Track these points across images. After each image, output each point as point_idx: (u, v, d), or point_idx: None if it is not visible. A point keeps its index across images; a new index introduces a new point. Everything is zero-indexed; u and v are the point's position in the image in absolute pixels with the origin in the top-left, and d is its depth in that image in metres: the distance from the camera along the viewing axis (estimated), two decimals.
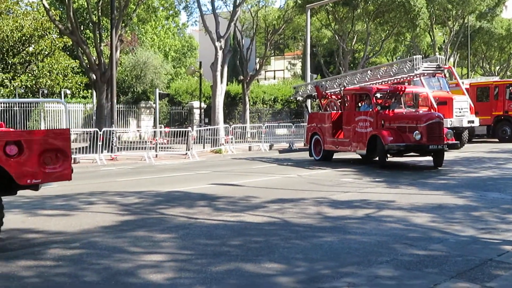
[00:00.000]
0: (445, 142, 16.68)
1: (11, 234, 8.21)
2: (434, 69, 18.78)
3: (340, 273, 6.24)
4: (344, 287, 5.71)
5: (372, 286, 5.77)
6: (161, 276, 6.08)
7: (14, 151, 6.85)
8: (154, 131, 25.11)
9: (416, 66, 17.96)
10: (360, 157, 19.26)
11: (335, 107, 20.68)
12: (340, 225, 8.84)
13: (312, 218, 9.38)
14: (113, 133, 22.38)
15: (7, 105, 30.60)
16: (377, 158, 17.81)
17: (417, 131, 16.37)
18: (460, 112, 24.38)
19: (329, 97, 21.01)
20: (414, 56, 18.85)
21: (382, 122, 17.27)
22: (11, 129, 8.90)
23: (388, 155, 17.27)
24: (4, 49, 32.64)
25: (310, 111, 25.33)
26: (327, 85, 20.91)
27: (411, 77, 19.36)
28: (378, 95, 17.97)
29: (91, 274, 6.19)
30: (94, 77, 26.75)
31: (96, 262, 6.66)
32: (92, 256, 6.94)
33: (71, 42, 31.48)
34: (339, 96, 20.27)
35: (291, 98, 28.02)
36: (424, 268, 6.46)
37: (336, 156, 20.90)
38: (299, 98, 23.50)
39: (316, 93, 21.40)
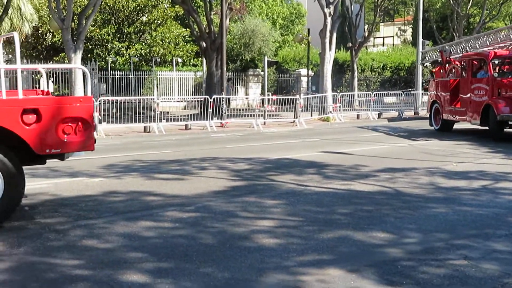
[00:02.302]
0: None
1: (131, 196, 8.64)
2: None
3: (455, 246, 6.08)
4: (461, 260, 5.57)
5: (490, 260, 5.59)
6: (273, 241, 6.20)
7: (32, 120, 6.49)
8: (262, 99, 25.35)
9: None
10: (482, 128, 17.74)
11: (456, 74, 19.51)
12: (454, 196, 8.60)
13: (424, 189, 9.18)
14: (222, 100, 22.81)
15: (124, 72, 31.94)
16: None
17: None
18: None
19: (453, 63, 19.69)
20: None
21: (499, 91, 16.13)
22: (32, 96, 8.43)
23: (507, 127, 16.01)
24: (120, 19, 33.95)
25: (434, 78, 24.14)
26: (451, 50, 19.83)
27: None
28: (496, 61, 16.89)
29: (207, 236, 6.41)
30: (204, 45, 27.28)
31: (211, 225, 6.89)
32: (207, 220, 7.18)
33: (182, 11, 32.19)
34: (461, 63, 19.09)
35: (420, 63, 26.87)
36: None
37: (457, 126, 19.77)
38: (427, 64, 22.42)
39: (441, 59, 20.40)
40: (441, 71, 19.88)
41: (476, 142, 15.70)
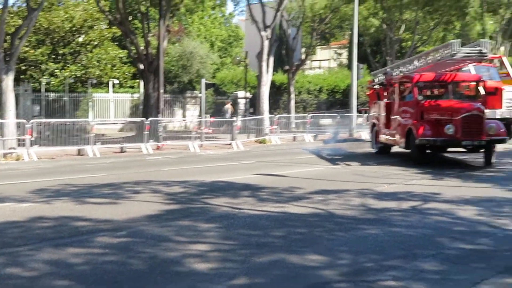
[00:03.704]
0: (486, 138, 14.93)
1: (60, 222, 8.42)
2: (477, 54, 17.37)
3: (385, 266, 6.19)
4: (389, 281, 5.66)
5: (418, 280, 5.70)
6: (205, 266, 6.15)
7: None
8: (200, 121, 25.30)
9: (453, 51, 16.76)
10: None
11: (389, 97, 19.14)
12: (384, 217, 8.77)
13: (356, 210, 9.33)
14: (159, 122, 22.64)
15: (58, 94, 31.30)
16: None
17: (450, 125, 14.89)
18: (510, 102, 23.74)
19: (394, 86, 19.10)
20: (451, 41, 17.94)
21: (422, 114, 15.96)
22: None
23: (428, 151, 15.84)
24: (55, 40, 33.36)
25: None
26: (391, 73, 19.81)
27: (459, 64, 18.57)
28: (422, 84, 16.68)
29: (138, 262, 6.30)
30: (142, 67, 27.09)
31: (143, 251, 6.77)
32: (139, 245, 7.06)
33: (119, 33, 31.94)
34: (393, 85, 18.80)
35: (369, 86, 26.65)
36: (471, 262, 6.35)
37: (396, 149, 18.87)
38: (376, 86, 22.11)
39: (385, 81, 19.82)
40: (384, 93, 19.91)
41: (407, 164, 15.89)
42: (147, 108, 26.85)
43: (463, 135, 14.85)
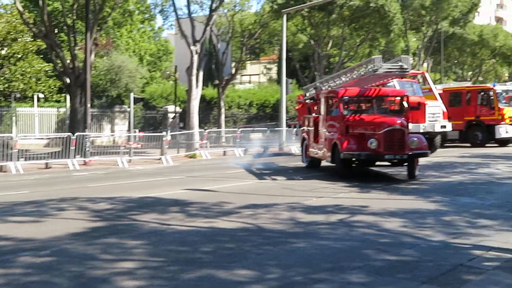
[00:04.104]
0: (409, 151, 15.13)
1: None
2: (398, 69, 17.51)
3: (313, 280, 6.25)
4: None
5: None
6: (133, 284, 6.04)
7: None
8: (128, 136, 24.93)
9: (377, 66, 16.94)
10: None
11: (318, 111, 19.11)
12: (312, 230, 8.87)
13: (285, 224, 9.39)
14: (86, 137, 22.17)
15: None
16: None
17: (372, 139, 15.07)
18: (432, 117, 24.56)
19: (322, 100, 18.79)
20: (374, 57, 18.26)
21: (347, 128, 16.16)
22: None
23: (353, 165, 16.01)
24: None
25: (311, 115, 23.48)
26: (321, 87, 19.88)
27: (383, 79, 18.97)
28: (347, 98, 16.80)
29: (63, 281, 6.12)
30: (68, 81, 26.45)
31: (68, 270, 6.58)
32: (63, 264, 6.85)
33: (45, 46, 31.11)
34: (320, 100, 18.67)
35: (298, 100, 26.60)
36: (396, 273, 6.50)
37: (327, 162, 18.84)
38: (307, 100, 22.10)
39: (315, 96, 19.94)
40: (315, 108, 20.02)
41: (336, 177, 15.96)
42: (73, 122, 26.21)
43: (385, 149, 15.05)
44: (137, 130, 28.35)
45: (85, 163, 21.62)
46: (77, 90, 26.16)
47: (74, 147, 21.11)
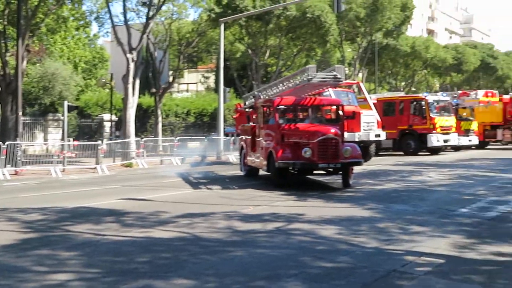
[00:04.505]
0: (343, 160, 15.29)
1: None
2: (332, 79, 17.64)
3: None
4: None
5: None
6: None
7: None
8: (62, 145, 24.36)
9: (311, 75, 17.00)
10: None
11: (255, 120, 19.17)
12: (250, 239, 8.87)
13: (222, 233, 9.36)
14: (17, 146, 21.52)
15: None
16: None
17: (306, 148, 15.16)
18: (367, 126, 25.08)
19: (259, 109, 18.85)
20: (308, 66, 18.37)
21: (282, 137, 16.19)
22: None
23: (289, 173, 16.00)
24: None
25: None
26: (260, 96, 19.73)
27: (317, 89, 19.13)
28: (282, 107, 16.85)
29: None
30: None
31: None
32: None
33: None
34: (258, 108, 18.76)
35: (238, 109, 26.35)
36: (332, 280, 6.58)
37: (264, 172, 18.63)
38: (247, 109, 21.93)
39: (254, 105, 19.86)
40: (254, 116, 19.97)
41: (273, 186, 16.00)
42: (4, 131, 25.39)
43: (319, 158, 15.15)
44: (71, 139, 27.73)
45: (16, 173, 20.98)
46: (8, 97, 25.39)
47: (4, 156, 20.46)
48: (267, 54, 40.84)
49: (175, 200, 13.49)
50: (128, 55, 27.11)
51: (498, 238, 8.96)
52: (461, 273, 6.96)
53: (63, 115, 28.42)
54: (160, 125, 36.34)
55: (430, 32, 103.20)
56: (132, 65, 27.16)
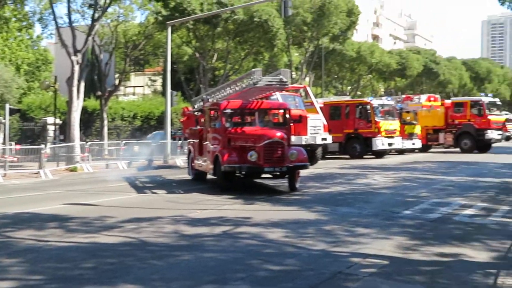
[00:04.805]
0: (289, 164, 15.26)
1: None
2: (278, 82, 17.69)
3: None
4: None
5: None
6: None
7: None
8: (3, 149, 23.71)
9: (256, 79, 17.04)
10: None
11: (203, 124, 19.00)
12: (197, 243, 8.84)
13: (169, 237, 9.29)
14: None
15: None
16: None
17: (252, 152, 15.13)
18: (314, 130, 25.31)
19: (206, 113, 18.58)
20: (254, 69, 18.38)
21: (228, 141, 16.16)
22: None
23: (236, 177, 15.93)
24: None
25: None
26: (208, 99, 19.42)
27: (264, 92, 19.15)
28: (229, 111, 16.81)
29: None
30: None
31: None
32: None
33: None
34: (205, 112, 18.61)
35: (187, 112, 25.87)
36: (279, 283, 6.62)
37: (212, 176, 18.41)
38: (196, 112, 21.59)
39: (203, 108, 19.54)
40: (202, 119, 19.78)
41: (220, 189, 15.82)
42: None
43: (265, 161, 15.13)
44: (13, 143, 27.01)
45: None
46: None
47: None
48: (215, 57, 40.79)
49: (121, 205, 13.31)
50: (73, 58, 26.62)
51: (440, 239, 9.19)
52: (405, 274, 7.11)
53: (4, 119, 27.65)
54: (106, 128, 35.79)
55: (375, 37, 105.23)
56: (77, 68, 26.67)
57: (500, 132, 36.91)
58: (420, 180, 18.65)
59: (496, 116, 36.78)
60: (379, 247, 8.51)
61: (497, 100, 40.29)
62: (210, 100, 19.23)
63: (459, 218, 11.24)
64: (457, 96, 67.76)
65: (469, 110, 36.23)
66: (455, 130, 36.54)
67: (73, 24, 28.16)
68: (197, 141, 18.83)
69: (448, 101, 38.90)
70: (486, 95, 40.35)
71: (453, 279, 6.98)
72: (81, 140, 27.59)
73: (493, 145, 37.66)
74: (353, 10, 49.78)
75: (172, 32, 32.62)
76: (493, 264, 7.71)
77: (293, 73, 48.09)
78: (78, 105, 27.14)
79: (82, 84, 27.59)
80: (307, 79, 53.96)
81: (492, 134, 35.51)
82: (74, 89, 26.72)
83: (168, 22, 31.33)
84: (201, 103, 20.28)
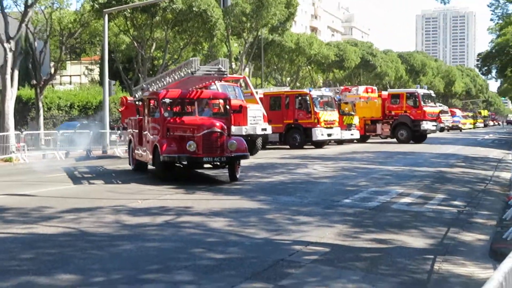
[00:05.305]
0: (228, 154, 15.20)
1: None
2: (216, 72, 17.40)
3: (139, 281, 6.19)
4: None
5: None
6: None
7: None
8: None
9: (194, 68, 16.62)
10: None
11: (142, 113, 18.63)
12: (138, 232, 8.75)
13: (109, 227, 9.16)
14: None
15: None
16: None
17: (191, 141, 14.97)
18: (254, 120, 25.42)
19: (145, 102, 18.32)
20: (192, 58, 18.25)
21: (167, 131, 15.97)
22: None
23: (173, 167, 15.88)
24: None
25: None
26: (148, 88, 19.06)
27: (202, 82, 18.96)
28: (168, 100, 16.57)
29: None
30: None
31: None
32: None
33: None
34: (144, 101, 18.29)
35: (133, 101, 25.17)
36: (222, 271, 6.63)
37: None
38: (137, 102, 21.06)
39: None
40: (143, 109, 19.39)
41: (160, 179, 15.70)
42: None
43: (204, 151, 15.02)
44: None
45: None
46: None
47: None
48: (153, 47, 40.34)
49: (59, 195, 12.99)
50: (6, 45, 25.81)
51: (379, 226, 9.42)
52: (346, 261, 7.25)
53: None
54: (41, 118, 34.82)
55: (314, 29, 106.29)
56: (10, 55, 25.88)
57: (435, 123, 38.07)
58: (359, 169, 19.02)
59: (431, 108, 37.86)
60: (320, 235, 8.65)
61: (431, 92, 41.50)
62: (150, 89, 18.98)
63: (397, 206, 11.54)
64: (393, 88, 69.29)
65: (405, 102, 37.20)
66: (391, 121, 37.45)
67: (6, 10, 27.29)
68: (137, 131, 18.58)
69: (385, 93, 39.75)
70: (421, 87, 41.41)
71: (392, 265, 7.17)
72: (15, 129, 26.80)
73: (428, 135, 38.82)
74: (292, 2, 50.10)
75: (109, 21, 32.06)
76: (430, 250, 7.96)
77: (232, 63, 48.09)
78: (12, 93, 26.38)
79: (16, 72, 26.83)
80: (246, 69, 54.09)
81: (427, 125, 36.58)
82: (8, 77, 25.94)
83: (105, 10, 30.71)
84: (141, 93, 19.98)
